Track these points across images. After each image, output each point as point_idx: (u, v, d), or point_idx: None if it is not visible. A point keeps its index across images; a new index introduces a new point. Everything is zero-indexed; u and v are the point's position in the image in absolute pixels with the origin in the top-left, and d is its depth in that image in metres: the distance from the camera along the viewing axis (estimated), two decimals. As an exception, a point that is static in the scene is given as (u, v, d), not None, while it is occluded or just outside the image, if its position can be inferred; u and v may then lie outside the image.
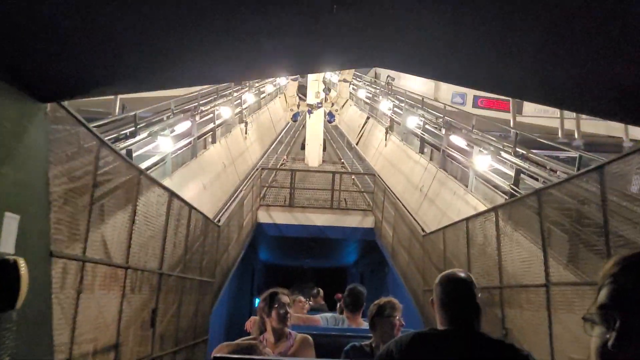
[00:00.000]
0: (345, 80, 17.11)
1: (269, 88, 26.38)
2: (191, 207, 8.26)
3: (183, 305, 7.60)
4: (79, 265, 3.44)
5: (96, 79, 2.52)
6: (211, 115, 16.28)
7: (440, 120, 15.04)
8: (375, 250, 15.45)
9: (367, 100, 25.31)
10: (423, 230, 11.49)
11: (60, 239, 3.05)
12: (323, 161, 21.91)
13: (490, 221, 6.56)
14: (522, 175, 10.39)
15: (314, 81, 19.05)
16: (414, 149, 17.25)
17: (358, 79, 30.53)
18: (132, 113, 10.39)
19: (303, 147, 23.01)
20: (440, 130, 14.87)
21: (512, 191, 10.01)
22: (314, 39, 2.18)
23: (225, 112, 17.00)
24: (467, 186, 12.71)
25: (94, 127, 4.13)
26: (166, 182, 12.39)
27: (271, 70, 3.28)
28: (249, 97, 20.97)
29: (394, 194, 14.03)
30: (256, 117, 23.85)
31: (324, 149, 22.90)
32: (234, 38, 2.06)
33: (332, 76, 23.33)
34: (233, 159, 18.42)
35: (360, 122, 26.05)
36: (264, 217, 15.61)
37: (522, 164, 10.50)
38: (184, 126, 13.11)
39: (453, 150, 14.03)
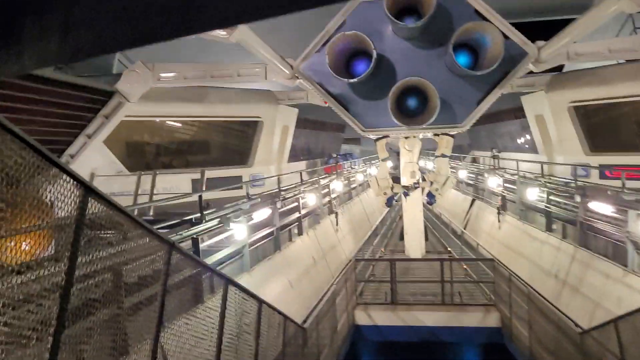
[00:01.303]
0: (443, 155, 14.95)
1: (359, 177, 24.82)
2: (261, 302, 6.21)
3: None
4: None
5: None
6: (295, 203, 14.64)
7: (573, 185, 12.12)
8: (505, 355, 12.17)
9: (470, 182, 22.76)
10: (577, 325, 8.44)
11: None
12: (426, 252, 19.16)
13: None
14: None
15: (408, 163, 17.08)
16: (538, 227, 14.25)
17: (457, 160, 28.18)
18: (198, 194, 8.82)
19: (402, 238, 20.51)
20: (572, 199, 11.94)
21: None
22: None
23: (311, 199, 15.32)
24: (626, 265, 9.59)
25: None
26: (244, 279, 10.57)
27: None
28: (338, 186, 19.28)
29: (524, 281, 11.04)
30: (348, 208, 22.05)
31: (426, 238, 20.24)
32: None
33: (427, 163, 21.24)
34: (324, 252, 16.41)
35: (465, 206, 23.32)
36: (362, 318, 13.06)
37: None
38: (263, 214, 11.44)
39: (596, 220, 11.03)
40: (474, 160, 26.05)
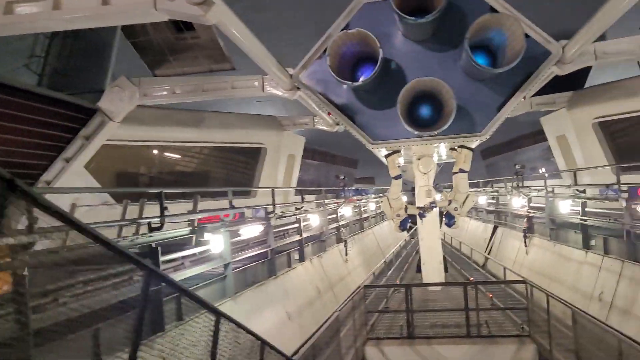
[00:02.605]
0: (462, 171, 13.37)
1: (371, 206, 23.19)
2: (220, 315, 4.62)
3: None
4: None
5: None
6: (296, 224, 13.04)
7: (613, 187, 10.34)
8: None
9: (491, 207, 20.97)
10: (644, 350, 6.59)
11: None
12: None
13: None
14: None
15: (423, 187, 15.54)
16: (574, 245, 12.44)
17: (475, 188, 26.47)
18: (157, 190, 7.26)
19: (419, 270, 18.67)
20: (617, 201, 10.14)
21: None
22: None
23: (314, 220, 13.72)
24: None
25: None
26: (227, 306, 8.91)
27: None
28: (347, 211, 17.66)
29: (568, 303, 9.18)
30: (359, 238, 20.33)
31: (445, 270, 18.34)
32: None
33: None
34: (331, 284, 14.64)
35: (486, 235, 21.44)
36: (373, 355, 11.15)
37: None
38: (252, 230, 9.87)
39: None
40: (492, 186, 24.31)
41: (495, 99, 12.97)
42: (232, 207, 10.42)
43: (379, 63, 12.30)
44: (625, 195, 9.62)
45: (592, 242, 11.60)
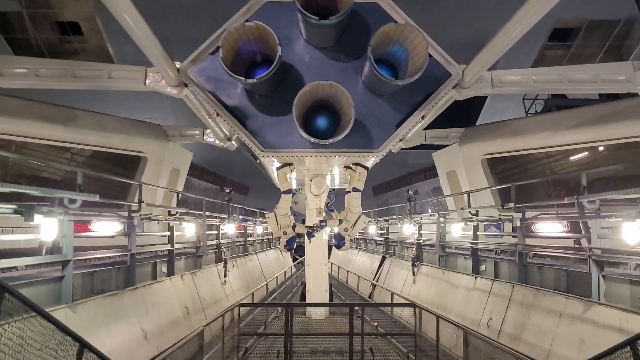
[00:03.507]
0: (355, 189, 12.54)
1: (258, 229, 21.74)
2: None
3: None
4: None
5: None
6: (167, 233, 11.24)
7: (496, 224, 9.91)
8: None
9: (380, 239, 20.52)
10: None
11: None
12: (331, 314, 16.15)
13: None
14: None
15: (313, 210, 14.50)
16: (464, 271, 11.99)
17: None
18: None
19: (303, 298, 17.45)
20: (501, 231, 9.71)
21: None
22: None
23: (189, 229, 12.01)
24: (589, 296, 7.37)
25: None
26: (61, 313, 7.01)
27: None
28: (230, 229, 16.06)
29: (460, 324, 8.40)
30: (242, 262, 18.71)
31: (331, 300, 17.28)
32: None
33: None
34: (204, 305, 12.87)
35: (373, 266, 20.85)
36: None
37: None
38: (108, 226, 8.05)
39: (540, 248, 8.86)
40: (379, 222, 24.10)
41: (394, 116, 12.35)
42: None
43: (276, 60, 11.17)
44: (519, 214, 9.29)
45: (482, 268, 11.19)
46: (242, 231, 19.85)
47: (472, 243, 11.44)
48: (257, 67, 12.58)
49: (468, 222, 11.50)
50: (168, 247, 11.34)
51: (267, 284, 17.22)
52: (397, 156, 36.95)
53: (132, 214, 9.03)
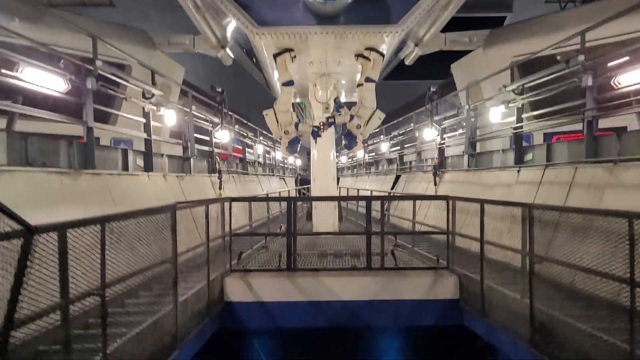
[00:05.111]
0: (369, 80, 10.38)
1: (259, 149, 19.79)
2: None
3: None
4: None
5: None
6: (142, 119, 9.23)
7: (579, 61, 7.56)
8: (467, 340, 7.47)
9: (394, 155, 18.60)
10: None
11: None
12: (341, 232, 14.32)
13: None
14: None
15: (319, 105, 12.34)
16: (503, 165, 10.02)
17: (375, 139, 24.12)
18: None
19: (309, 218, 15.69)
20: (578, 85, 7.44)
21: None
22: None
23: (170, 118, 9.99)
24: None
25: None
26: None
27: None
28: (225, 136, 14.03)
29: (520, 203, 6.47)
30: (241, 180, 16.83)
31: (340, 220, 15.50)
32: None
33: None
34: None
35: (386, 187, 18.98)
36: (237, 290, 7.78)
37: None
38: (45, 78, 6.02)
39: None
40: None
41: (416, -17, 9.91)
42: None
43: None
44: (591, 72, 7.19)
45: (529, 156, 9.18)
46: (240, 146, 17.88)
47: (514, 129, 9.35)
48: None
49: (511, 104, 9.37)
50: (144, 136, 9.33)
51: (267, 194, 15.46)
52: (407, 87, 34.21)
53: (86, 75, 6.95)
